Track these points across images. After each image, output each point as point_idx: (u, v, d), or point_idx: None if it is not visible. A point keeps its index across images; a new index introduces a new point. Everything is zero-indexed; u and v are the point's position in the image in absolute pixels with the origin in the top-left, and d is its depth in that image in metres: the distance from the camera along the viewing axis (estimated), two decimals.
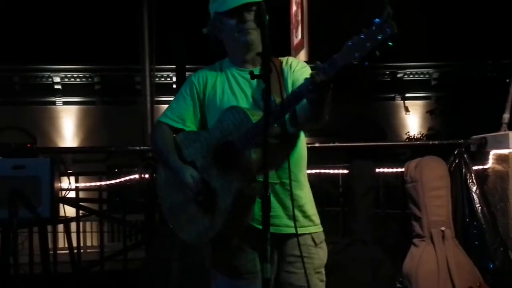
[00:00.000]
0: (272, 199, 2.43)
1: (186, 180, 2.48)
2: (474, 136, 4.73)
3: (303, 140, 2.61)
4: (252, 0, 2.49)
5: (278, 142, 2.37)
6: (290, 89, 2.53)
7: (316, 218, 2.62)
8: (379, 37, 2.06)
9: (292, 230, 2.45)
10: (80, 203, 5.37)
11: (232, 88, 2.57)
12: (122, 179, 5.24)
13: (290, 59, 2.64)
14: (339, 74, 2.16)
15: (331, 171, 4.93)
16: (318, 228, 2.61)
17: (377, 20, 2.07)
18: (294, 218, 2.41)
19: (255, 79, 2.36)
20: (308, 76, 2.45)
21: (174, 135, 2.63)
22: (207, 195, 2.45)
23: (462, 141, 4.68)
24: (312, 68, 2.59)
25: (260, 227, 2.25)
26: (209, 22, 2.60)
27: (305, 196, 2.60)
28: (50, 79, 17.03)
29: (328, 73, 2.17)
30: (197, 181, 2.46)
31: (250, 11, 2.50)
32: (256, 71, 2.29)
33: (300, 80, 2.52)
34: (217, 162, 2.45)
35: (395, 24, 2.05)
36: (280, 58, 2.63)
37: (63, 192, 4.56)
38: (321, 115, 2.34)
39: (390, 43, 2.06)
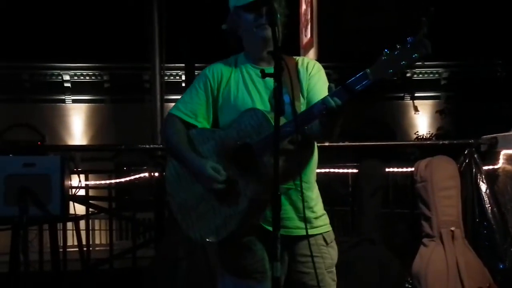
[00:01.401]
0: (285, 201, 2.43)
1: (209, 173, 2.42)
2: (484, 136, 4.71)
3: (315, 142, 2.61)
4: None
5: (297, 149, 2.37)
6: (305, 91, 2.52)
7: (326, 218, 2.61)
8: (415, 56, 2.10)
9: (304, 232, 2.44)
10: (90, 201, 5.39)
11: (247, 86, 2.54)
12: (132, 177, 5.27)
13: (306, 60, 2.60)
14: (367, 88, 2.17)
15: (341, 171, 4.93)
16: (328, 228, 2.61)
17: (412, 38, 2.11)
18: (305, 220, 2.40)
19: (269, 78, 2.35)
20: (322, 81, 2.45)
21: (187, 131, 2.58)
22: (223, 193, 2.45)
23: (472, 141, 4.67)
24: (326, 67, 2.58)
25: (270, 228, 2.26)
26: (229, 17, 2.56)
27: (315, 197, 2.59)
28: (60, 77, 17.07)
29: (359, 85, 2.18)
30: (220, 172, 2.42)
31: (263, 8, 2.46)
32: (270, 70, 2.24)
33: (316, 87, 2.50)
34: (233, 163, 2.43)
35: (430, 44, 2.08)
36: (295, 57, 2.60)
37: (73, 190, 4.57)
38: (330, 135, 2.38)
39: (422, 62, 2.10)
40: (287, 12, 2.58)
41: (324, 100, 2.24)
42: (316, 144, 2.59)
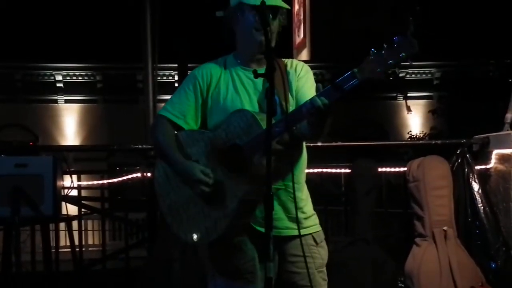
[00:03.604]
0: (275, 202, 2.42)
1: (198, 176, 2.43)
2: (476, 136, 4.73)
3: (303, 143, 2.61)
4: (283, 5, 2.49)
5: (286, 149, 2.37)
6: (294, 93, 2.53)
7: (315, 218, 2.62)
8: (402, 55, 2.11)
9: (293, 232, 2.47)
10: (82, 202, 5.37)
11: (236, 88, 2.54)
12: (124, 178, 5.25)
13: (295, 62, 2.61)
14: (355, 88, 2.18)
15: (334, 171, 4.93)
16: (318, 228, 2.62)
17: (399, 37, 2.12)
18: (297, 220, 2.41)
19: (259, 79, 2.34)
20: (310, 83, 2.46)
21: (176, 132, 2.58)
22: (212, 194, 2.44)
23: (464, 140, 4.68)
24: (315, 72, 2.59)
25: (262, 229, 2.26)
26: (229, 8, 2.53)
27: (305, 197, 2.60)
28: (52, 77, 17.03)
29: (347, 85, 2.19)
30: (209, 175, 2.43)
31: (275, 14, 2.48)
32: (261, 71, 2.25)
33: (304, 89, 2.52)
34: (222, 164, 2.43)
35: (416, 43, 2.08)
36: (284, 59, 2.60)
37: (65, 190, 4.56)
38: (319, 134, 2.38)
39: (410, 61, 2.11)
40: (285, 22, 2.57)
41: (312, 99, 2.24)
42: (304, 145, 2.60)
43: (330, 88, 2.22)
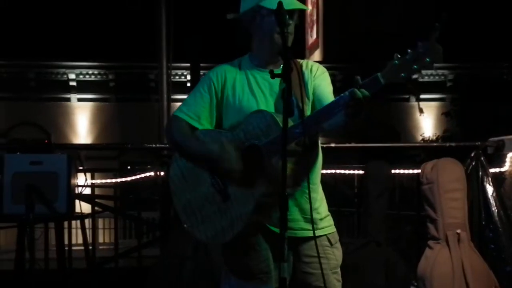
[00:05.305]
0: (291, 203, 2.42)
1: (225, 144, 2.42)
2: (491, 139, 4.70)
3: (319, 144, 2.61)
4: (302, 7, 2.49)
5: (303, 150, 2.37)
6: (310, 93, 2.52)
7: (330, 219, 2.62)
8: (427, 60, 2.11)
9: (308, 233, 2.46)
10: (96, 200, 5.39)
11: (252, 89, 2.53)
12: (138, 176, 5.26)
13: (310, 62, 2.61)
14: (380, 91, 2.17)
15: (347, 172, 4.93)
16: (333, 229, 2.61)
17: (424, 43, 2.10)
18: (312, 221, 2.40)
19: (275, 80, 2.34)
20: (327, 82, 2.45)
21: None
22: (226, 195, 2.44)
23: (479, 143, 4.65)
24: (330, 73, 2.58)
25: (276, 229, 2.25)
26: (246, 12, 2.50)
27: (320, 198, 2.60)
28: (65, 76, 17.10)
29: (370, 89, 2.18)
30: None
31: (293, 16, 2.47)
32: (277, 72, 2.23)
33: (321, 87, 2.51)
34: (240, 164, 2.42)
35: (441, 49, 2.07)
36: (299, 60, 2.59)
37: (79, 188, 4.58)
38: (351, 127, 2.34)
39: (434, 68, 2.10)
40: (298, 22, 2.56)
41: (338, 97, 2.25)
42: (320, 146, 2.60)
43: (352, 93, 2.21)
